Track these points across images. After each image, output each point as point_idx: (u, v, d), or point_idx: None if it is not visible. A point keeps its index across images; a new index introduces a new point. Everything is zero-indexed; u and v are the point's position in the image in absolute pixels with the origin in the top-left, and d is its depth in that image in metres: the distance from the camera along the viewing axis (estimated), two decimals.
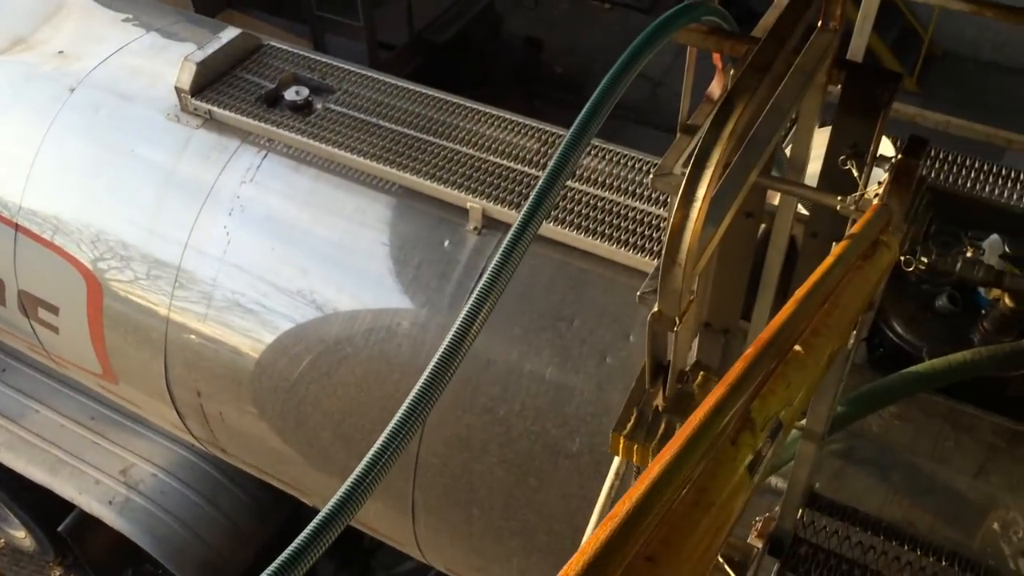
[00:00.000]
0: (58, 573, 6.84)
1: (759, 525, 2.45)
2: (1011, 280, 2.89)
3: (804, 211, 2.27)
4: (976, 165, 3.56)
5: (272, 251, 4.02)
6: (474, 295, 1.50)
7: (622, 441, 1.72)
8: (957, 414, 2.82)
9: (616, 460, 2.38)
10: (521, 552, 3.70)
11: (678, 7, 1.86)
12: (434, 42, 9.11)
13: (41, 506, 6.09)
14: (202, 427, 4.57)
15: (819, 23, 1.90)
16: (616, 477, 2.47)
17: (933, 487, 2.82)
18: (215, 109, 4.19)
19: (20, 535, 6.74)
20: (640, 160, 3.84)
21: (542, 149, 3.91)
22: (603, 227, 3.56)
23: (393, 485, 3.84)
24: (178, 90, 4.27)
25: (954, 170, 3.53)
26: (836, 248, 1.42)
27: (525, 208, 1.54)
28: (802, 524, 2.58)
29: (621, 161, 3.84)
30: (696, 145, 1.52)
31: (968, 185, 3.47)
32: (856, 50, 3.18)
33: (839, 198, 1.83)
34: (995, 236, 3.11)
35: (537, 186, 1.56)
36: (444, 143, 3.96)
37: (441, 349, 1.48)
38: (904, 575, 2.51)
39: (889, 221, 1.59)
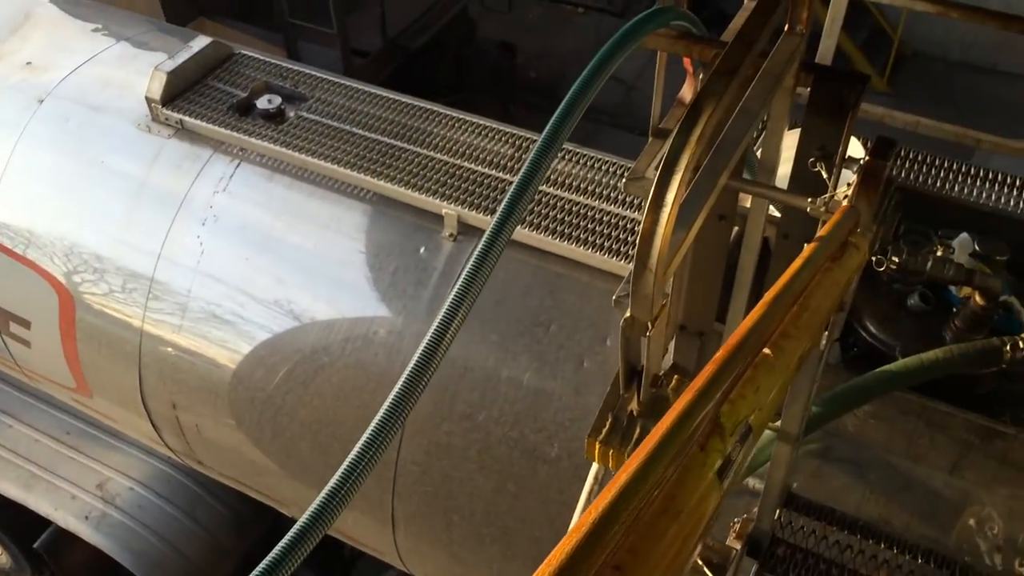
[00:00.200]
0: None
1: (737, 526, 2.46)
2: (981, 278, 2.92)
3: (776, 213, 2.29)
4: (945, 164, 3.60)
5: (247, 260, 3.99)
6: (448, 302, 1.50)
7: (597, 446, 1.72)
8: (931, 412, 2.85)
9: (595, 465, 2.38)
10: (502, 558, 3.69)
11: (646, 12, 1.87)
12: (408, 48, 9.10)
13: (16, 522, 6.00)
14: (178, 439, 4.53)
15: (786, 27, 1.91)
16: (595, 481, 2.47)
17: (909, 485, 2.84)
18: (186, 119, 4.16)
19: None
20: (614, 164, 3.85)
21: (516, 154, 3.91)
22: (579, 231, 3.57)
23: (372, 494, 3.83)
24: (148, 100, 4.23)
25: (924, 169, 3.57)
26: (804, 250, 1.43)
27: (498, 213, 1.53)
28: (780, 525, 2.59)
29: (595, 165, 3.85)
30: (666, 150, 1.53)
31: (938, 184, 3.51)
32: (825, 52, 3.21)
33: (809, 200, 1.84)
34: (965, 235, 3.15)
35: (509, 191, 1.56)
36: (418, 150, 3.95)
37: (416, 356, 1.47)
38: (881, 573, 2.53)
39: (857, 222, 1.60)
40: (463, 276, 1.50)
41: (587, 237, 3.54)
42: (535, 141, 1.57)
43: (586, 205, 3.67)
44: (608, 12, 11.82)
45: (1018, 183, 3.53)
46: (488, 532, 3.65)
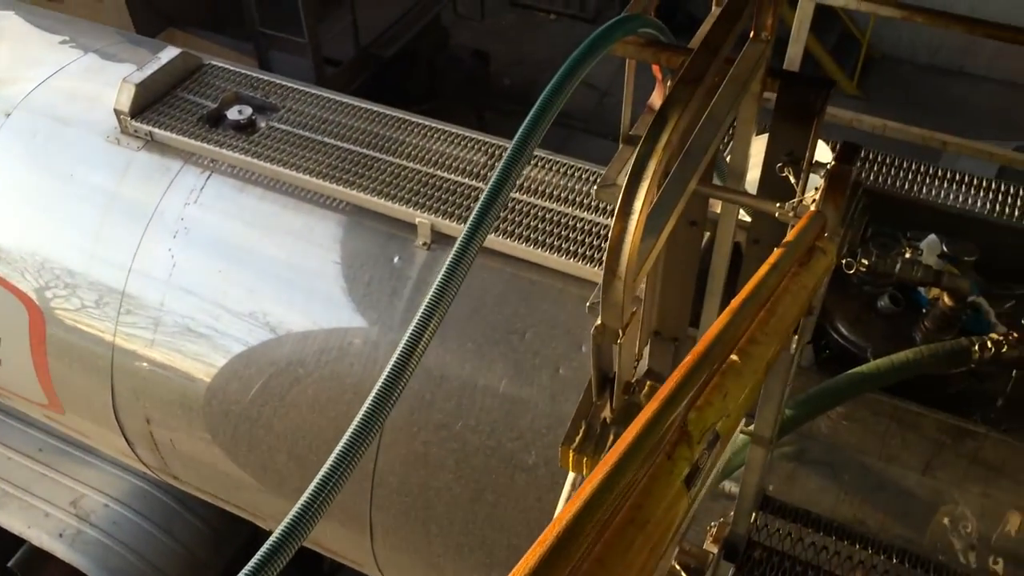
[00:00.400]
0: None
1: (714, 530, 2.47)
2: (949, 279, 2.96)
3: (747, 218, 2.30)
4: (913, 167, 3.64)
5: (219, 273, 3.96)
6: (420, 310, 1.50)
7: (571, 454, 1.72)
8: (902, 412, 2.87)
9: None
10: (481, 568, 3.68)
11: (613, 20, 1.87)
12: (381, 57, 9.08)
13: None
14: (153, 455, 4.48)
15: (751, 33, 1.93)
16: (572, 489, 2.47)
17: (883, 485, 2.86)
18: (156, 130, 4.13)
19: None
20: (587, 171, 3.87)
21: (489, 162, 3.92)
22: (553, 239, 3.57)
23: (350, 505, 3.80)
24: (117, 112, 4.19)
25: (892, 172, 3.61)
26: (771, 256, 1.43)
27: (470, 221, 1.54)
28: (756, 528, 2.60)
29: (569, 172, 3.86)
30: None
31: (906, 187, 3.55)
32: (793, 57, 3.24)
33: (777, 205, 1.86)
34: (932, 236, 3.18)
35: (481, 199, 1.56)
36: (391, 159, 3.95)
37: (389, 366, 1.47)
38: (857, 574, 2.55)
39: (824, 227, 1.61)
40: (436, 284, 1.50)
41: (561, 244, 3.54)
42: (508, 148, 1.58)
43: (560, 212, 3.68)
44: (580, 18, 11.88)
45: (985, 184, 3.58)
46: (467, 541, 3.64)
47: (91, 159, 4.26)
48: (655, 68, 2.09)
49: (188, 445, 4.25)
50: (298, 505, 1.34)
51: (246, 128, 4.13)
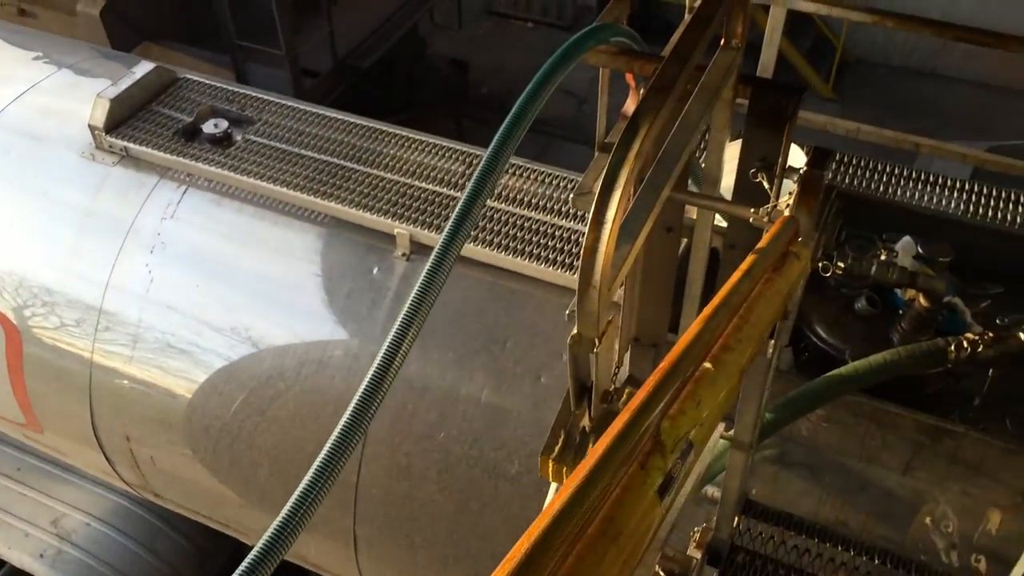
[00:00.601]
0: None
1: (697, 536, 2.47)
2: (924, 280, 2.98)
3: (724, 223, 2.31)
4: (888, 169, 3.67)
5: (197, 287, 3.93)
6: (399, 321, 1.49)
7: (551, 464, 1.72)
8: (881, 413, 2.89)
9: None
10: None
11: (586, 30, 1.88)
12: (358, 67, 9.06)
13: None
14: (133, 472, 4.44)
15: (722, 41, 1.94)
16: None
17: (864, 486, 2.88)
18: (131, 145, 4.10)
19: None
20: (565, 178, 3.87)
21: (467, 172, 3.92)
22: (532, 247, 3.58)
23: (333, 518, 3.78)
24: (92, 128, 4.16)
25: (866, 174, 3.64)
26: (744, 262, 1.44)
27: (445, 231, 1.53)
28: (739, 532, 2.61)
29: (547, 180, 3.87)
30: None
31: (880, 189, 3.58)
32: (766, 63, 3.26)
33: (752, 210, 1.87)
34: (907, 238, 3.21)
35: (457, 208, 1.56)
36: (368, 170, 3.94)
37: (368, 376, 1.46)
38: (839, 575, 2.56)
39: (797, 232, 1.62)
40: (413, 295, 1.50)
41: (541, 252, 3.55)
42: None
43: (539, 220, 3.68)
44: (557, 26, 11.93)
45: (958, 185, 3.61)
46: (452, 552, 3.62)
47: (66, 176, 4.22)
48: (629, 76, 2.10)
49: (169, 462, 4.21)
50: (278, 519, 1.33)
51: (222, 142, 4.11)
